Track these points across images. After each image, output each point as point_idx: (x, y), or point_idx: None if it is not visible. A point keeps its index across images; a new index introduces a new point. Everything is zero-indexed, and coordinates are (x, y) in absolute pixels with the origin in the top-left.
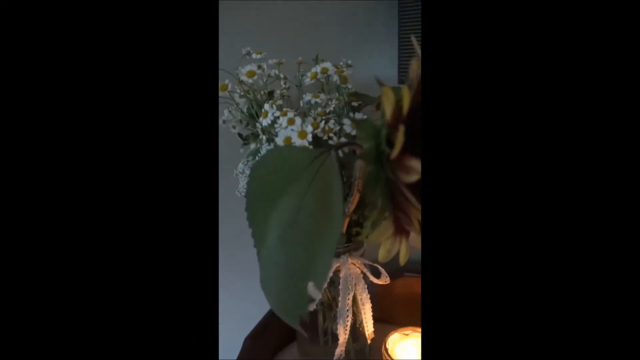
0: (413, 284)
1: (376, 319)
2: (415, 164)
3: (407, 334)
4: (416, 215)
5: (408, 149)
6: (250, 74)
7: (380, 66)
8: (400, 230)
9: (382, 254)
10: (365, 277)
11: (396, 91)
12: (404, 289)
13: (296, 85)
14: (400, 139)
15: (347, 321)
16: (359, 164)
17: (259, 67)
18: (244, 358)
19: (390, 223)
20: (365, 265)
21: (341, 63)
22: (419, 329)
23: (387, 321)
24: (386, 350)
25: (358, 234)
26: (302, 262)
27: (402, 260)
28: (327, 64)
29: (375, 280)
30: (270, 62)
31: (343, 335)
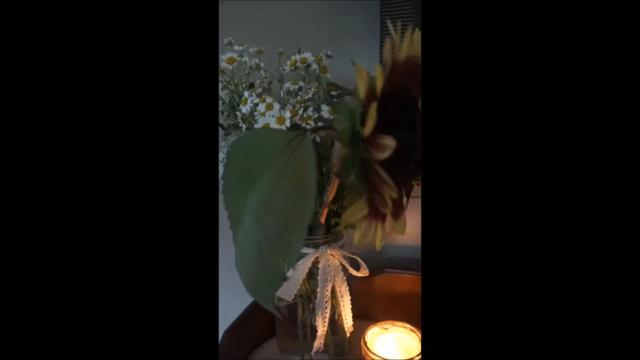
0: (393, 281)
1: (356, 316)
2: (388, 141)
3: (387, 328)
4: (389, 192)
5: (381, 128)
6: (230, 60)
7: (363, 62)
8: (376, 214)
9: (358, 238)
10: (344, 270)
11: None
12: (384, 285)
13: (278, 79)
14: (372, 115)
15: (326, 312)
16: (336, 150)
17: (240, 56)
18: (223, 352)
19: (364, 203)
20: (344, 257)
21: (321, 54)
22: (399, 324)
23: (366, 317)
24: (365, 343)
25: (337, 224)
26: (276, 240)
27: (378, 245)
28: (307, 54)
29: (355, 273)
30: (250, 50)
31: (322, 327)
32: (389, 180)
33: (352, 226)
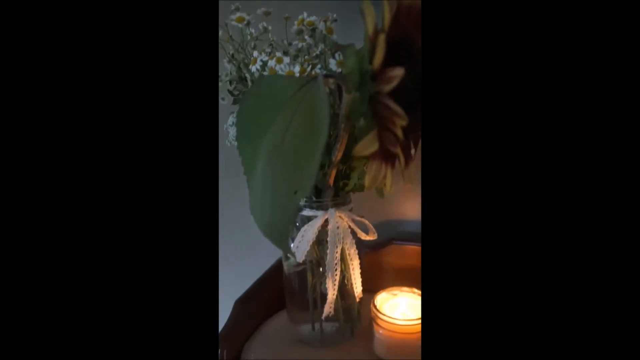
0: (402, 252)
1: (364, 289)
2: (397, 72)
3: (395, 294)
4: (400, 122)
5: (389, 62)
6: (240, 19)
7: None
8: (386, 155)
9: (369, 181)
10: (353, 233)
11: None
12: (392, 258)
13: (284, 52)
14: (381, 45)
15: (336, 275)
16: (345, 101)
17: (248, 14)
18: (233, 322)
19: (374, 138)
20: (353, 220)
21: (328, 16)
22: (406, 289)
23: (375, 291)
24: (375, 306)
25: (345, 185)
26: (287, 178)
27: (388, 188)
28: (313, 17)
29: (364, 236)
30: (258, 11)
31: (332, 290)
32: (398, 109)
33: (361, 189)
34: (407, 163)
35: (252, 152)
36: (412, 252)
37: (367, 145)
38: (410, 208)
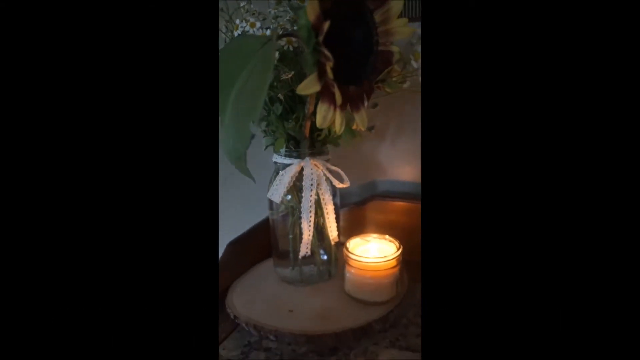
0: (382, 207)
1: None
2: (325, 25)
3: (368, 240)
4: (329, 65)
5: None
6: None
7: None
8: (330, 97)
9: (319, 120)
10: (328, 181)
11: None
12: (374, 212)
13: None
14: (313, 4)
15: (310, 217)
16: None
17: None
18: (223, 263)
19: (314, 78)
20: (328, 169)
21: None
22: (379, 235)
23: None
24: (347, 248)
25: (319, 136)
26: (245, 113)
27: (338, 128)
28: None
29: (338, 185)
30: None
31: (307, 231)
32: (327, 54)
33: (335, 140)
34: (358, 109)
35: (224, 97)
36: (391, 207)
37: (308, 86)
38: (390, 170)
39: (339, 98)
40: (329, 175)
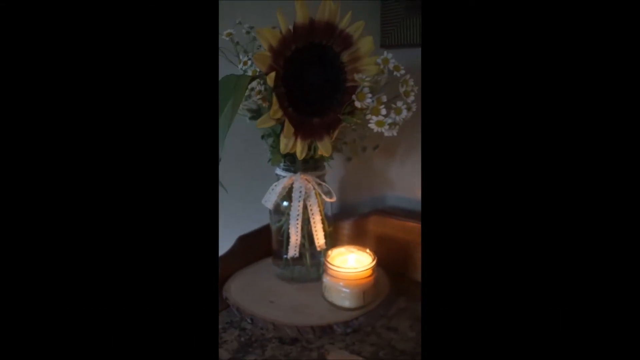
0: (383, 221)
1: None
2: (271, 75)
3: (352, 251)
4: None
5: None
6: (228, 34)
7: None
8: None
9: (281, 147)
10: (318, 196)
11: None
12: (374, 226)
13: None
14: (264, 57)
15: (297, 224)
16: None
17: (250, 27)
18: (231, 255)
19: (268, 115)
20: (317, 183)
21: None
22: (360, 248)
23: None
24: (326, 257)
25: (309, 155)
26: (224, 123)
27: (299, 155)
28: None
29: (326, 199)
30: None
31: (294, 236)
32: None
33: (322, 158)
34: (321, 138)
35: (222, 106)
36: (390, 223)
37: (264, 120)
38: (398, 186)
39: (287, 131)
40: (315, 187)
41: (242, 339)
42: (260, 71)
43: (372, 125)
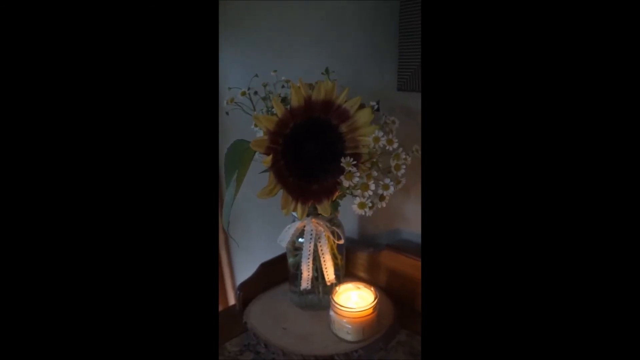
0: (393, 257)
1: (366, 280)
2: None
3: (359, 287)
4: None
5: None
6: (242, 93)
7: (384, 76)
8: (294, 195)
9: (282, 204)
10: (328, 237)
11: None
12: (386, 260)
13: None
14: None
15: (308, 262)
16: None
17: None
18: (254, 277)
19: (267, 188)
20: (328, 227)
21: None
22: (366, 284)
23: (373, 283)
24: (333, 294)
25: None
26: (232, 190)
27: (299, 215)
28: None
29: (336, 241)
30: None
31: (305, 272)
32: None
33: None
34: (320, 202)
35: (228, 178)
36: (399, 259)
37: (264, 192)
38: (412, 222)
39: (285, 201)
40: (326, 230)
41: None
42: None
43: (354, 207)
